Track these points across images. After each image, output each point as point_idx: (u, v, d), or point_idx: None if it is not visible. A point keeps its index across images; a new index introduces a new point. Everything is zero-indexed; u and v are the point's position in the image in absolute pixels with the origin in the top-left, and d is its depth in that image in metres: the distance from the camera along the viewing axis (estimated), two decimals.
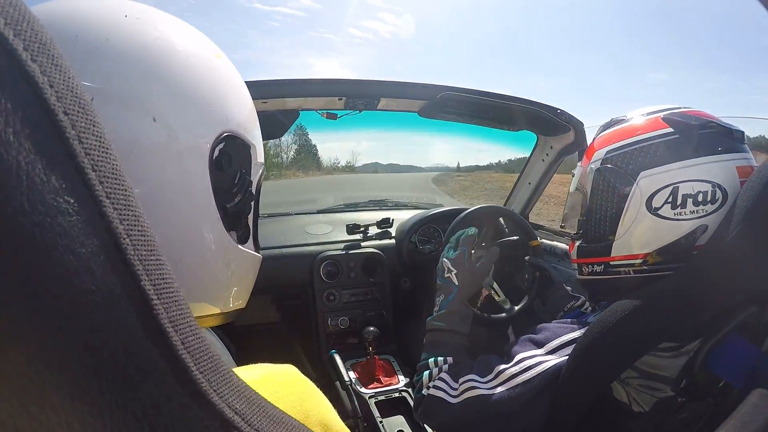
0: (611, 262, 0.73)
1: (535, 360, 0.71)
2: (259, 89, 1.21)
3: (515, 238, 1.42)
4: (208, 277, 0.40)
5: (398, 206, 2.02)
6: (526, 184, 1.74)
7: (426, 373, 0.82)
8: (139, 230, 0.19)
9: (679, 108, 0.71)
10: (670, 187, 0.65)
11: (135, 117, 0.34)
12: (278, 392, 0.32)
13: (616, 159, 0.71)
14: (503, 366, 0.73)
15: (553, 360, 0.69)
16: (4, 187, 0.16)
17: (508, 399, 0.69)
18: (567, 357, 0.68)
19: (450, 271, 0.94)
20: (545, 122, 1.46)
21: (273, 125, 1.42)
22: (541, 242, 1.37)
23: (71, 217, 0.17)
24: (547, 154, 1.62)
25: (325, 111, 1.44)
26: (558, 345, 0.71)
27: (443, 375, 0.79)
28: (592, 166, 0.75)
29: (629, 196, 0.68)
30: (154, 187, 0.35)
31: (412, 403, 0.85)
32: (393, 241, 1.59)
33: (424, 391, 0.80)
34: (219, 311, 0.41)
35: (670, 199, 0.65)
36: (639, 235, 0.69)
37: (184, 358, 0.20)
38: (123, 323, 0.18)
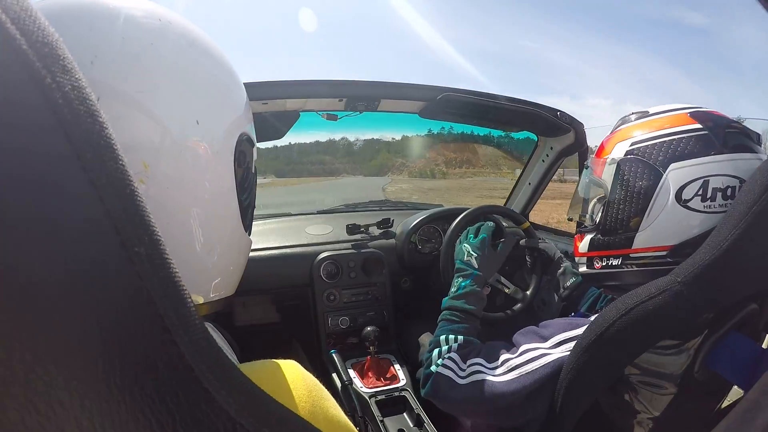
0: (631, 254, 0.72)
1: (539, 352, 0.72)
2: (259, 90, 1.22)
3: (516, 238, 1.43)
4: (229, 265, 0.44)
5: (398, 206, 2.02)
6: (525, 184, 1.74)
7: (436, 351, 0.86)
8: (145, 229, 0.19)
9: (699, 107, 0.72)
10: (701, 180, 0.66)
11: (183, 118, 0.36)
12: (282, 388, 0.32)
13: (644, 150, 0.71)
14: (508, 355, 0.75)
15: (556, 354, 0.71)
16: (11, 186, 0.16)
17: (511, 389, 0.71)
18: (569, 352, 0.68)
19: (470, 255, 1.00)
20: (545, 123, 1.47)
21: (273, 126, 1.42)
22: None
23: (77, 216, 0.17)
24: (548, 155, 1.62)
25: (325, 112, 1.44)
26: (562, 340, 0.72)
27: (452, 355, 0.82)
28: (614, 157, 0.74)
29: (658, 187, 0.68)
30: (195, 184, 0.38)
31: (420, 379, 0.89)
32: (393, 241, 1.59)
33: (433, 368, 0.83)
34: (220, 296, 0.44)
35: (700, 192, 0.66)
36: (665, 226, 0.68)
37: (191, 356, 0.20)
38: (130, 321, 0.19)
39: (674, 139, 0.68)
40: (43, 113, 0.17)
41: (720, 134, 0.67)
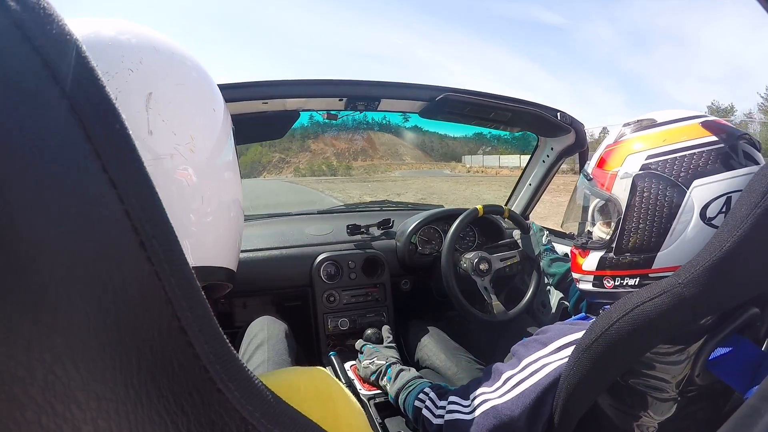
0: (650, 275, 0.69)
1: (540, 363, 0.71)
2: (259, 90, 1.21)
3: (513, 239, 1.44)
4: (235, 238, 0.49)
5: (398, 207, 2.02)
6: (526, 185, 1.74)
7: (424, 411, 0.85)
8: (164, 229, 0.19)
9: (706, 116, 0.70)
10: (725, 197, 0.63)
11: (219, 104, 0.45)
12: (306, 394, 0.32)
13: (663, 165, 0.67)
14: (510, 372, 0.74)
15: (556, 361, 0.70)
16: (31, 187, 0.16)
17: (518, 406, 0.70)
18: (569, 356, 0.68)
19: (372, 359, 1.12)
20: (545, 123, 1.47)
21: (273, 126, 1.42)
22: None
23: (96, 215, 0.17)
24: (548, 156, 1.62)
25: (325, 111, 1.44)
26: (563, 344, 0.71)
27: (451, 398, 0.81)
28: (628, 171, 0.70)
29: (682, 206, 0.65)
30: (235, 184, 0.46)
31: None
32: (393, 242, 1.59)
33: (436, 421, 0.81)
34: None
35: (724, 209, 0.63)
36: (689, 246, 0.65)
37: (205, 357, 0.20)
38: (147, 321, 0.18)
39: (694, 154, 0.65)
40: (64, 112, 0.17)
41: (736, 147, 0.65)
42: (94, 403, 0.17)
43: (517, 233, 1.43)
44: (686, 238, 0.65)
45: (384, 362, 1.08)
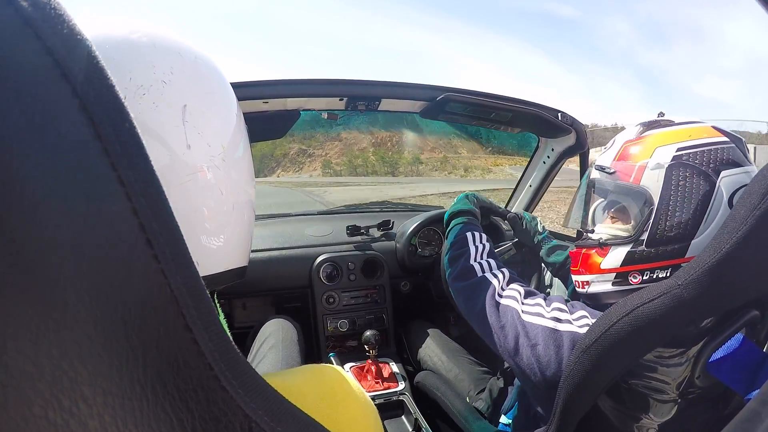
0: (683, 264, 0.68)
1: (565, 316, 0.74)
2: (260, 89, 1.22)
3: (513, 242, 1.44)
4: (246, 238, 0.49)
5: (398, 209, 2.02)
6: (526, 186, 1.74)
7: (471, 247, 0.87)
8: (170, 227, 0.19)
9: (711, 122, 0.75)
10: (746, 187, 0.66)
11: (237, 113, 0.44)
12: (318, 393, 0.32)
13: (694, 156, 0.70)
14: (542, 302, 0.77)
15: (575, 327, 0.72)
16: (44, 188, 0.16)
17: (527, 333, 0.74)
18: (585, 329, 0.70)
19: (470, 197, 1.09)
20: (546, 124, 1.46)
21: (274, 125, 1.42)
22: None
23: (105, 213, 0.17)
24: (549, 156, 1.62)
25: (326, 111, 1.44)
26: (581, 315, 0.73)
27: (504, 271, 0.84)
28: (660, 162, 0.72)
29: (714, 193, 0.68)
30: (252, 184, 0.46)
31: (448, 269, 0.90)
32: (393, 243, 1.59)
33: (477, 268, 0.84)
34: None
35: None
36: None
37: (210, 354, 0.20)
38: (153, 318, 0.19)
39: (717, 149, 0.70)
40: (75, 111, 0.17)
41: (743, 147, 0.71)
42: (101, 398, 0.17)
43: (506, 224, 1.42)
44: (716, 224, 0.68)
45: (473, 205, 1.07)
